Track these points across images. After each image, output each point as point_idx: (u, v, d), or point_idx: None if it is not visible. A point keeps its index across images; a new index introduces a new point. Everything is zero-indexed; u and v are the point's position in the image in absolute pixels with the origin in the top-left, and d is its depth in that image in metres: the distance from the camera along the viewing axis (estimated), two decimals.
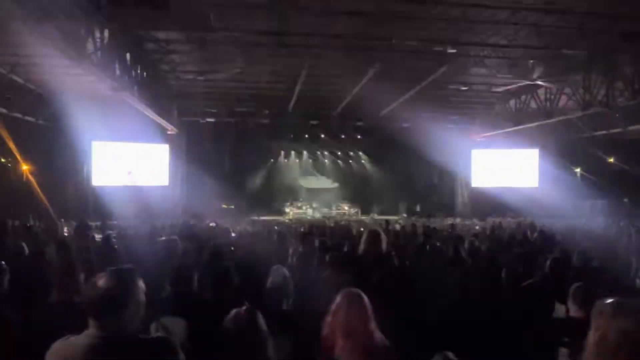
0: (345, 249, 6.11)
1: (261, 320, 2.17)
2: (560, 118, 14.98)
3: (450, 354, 2.00)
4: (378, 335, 2.15)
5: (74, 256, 4.16)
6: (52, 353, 1.86)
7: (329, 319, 2.19)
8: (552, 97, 14.97)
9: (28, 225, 9.72)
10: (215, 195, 19.75)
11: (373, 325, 2.15)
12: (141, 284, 1.98)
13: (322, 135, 22.65)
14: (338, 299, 2.21)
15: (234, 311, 2.21)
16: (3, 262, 3.59)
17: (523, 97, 16.40)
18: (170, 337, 2.12)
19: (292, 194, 24.78)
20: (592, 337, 1.47)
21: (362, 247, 4.24)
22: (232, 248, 6.24)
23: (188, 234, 7.67)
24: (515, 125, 16.96)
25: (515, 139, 18.46)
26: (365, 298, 2.21)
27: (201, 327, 2.60)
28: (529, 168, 19.53)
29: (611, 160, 18.97)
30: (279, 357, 2.24)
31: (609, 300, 1.50)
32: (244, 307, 2.22)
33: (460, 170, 20.62)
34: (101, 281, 1.91)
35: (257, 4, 9.99)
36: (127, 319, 1.89)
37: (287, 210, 23.51)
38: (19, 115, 13.30)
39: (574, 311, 2.96)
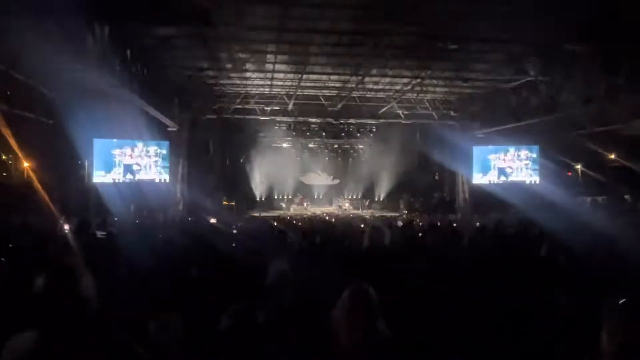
0: (347, 244, 6.11)
1: (260, 317, 2.16)
2: (561, 114, 14.95)
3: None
4: (384, 331, 2.13)
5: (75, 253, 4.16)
6: (6, 348, 1.85)
7: (334, 315, 2.17)
8: (553, 93, 14.93)
9: (29, 222, 9.70)
10: (215, 192, 19.78)
11: (379, 321, 2.13)
12: (87, 280, 1.95)
13: (323, 132, 22.67)
14: (344, 294, 2.20)
15: (230, 308, 2.20)
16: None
17: (524, 93, 16.36)
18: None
19: (292, 191, 24.83)
20: (605, 338, 1.45)
21: (365, 242, 4.24)
22: (234, 244, 6.24)
23: (188, 230, 7.67)
24: (516, 121, 16.93)
25: (516, 135, 18.45)
26: (372, 294, 2.20)
27: (199, 324, 2.59)
28: (529, 164, 19.55)
29: (612, 156, 18.95)
30: (280, 352, 2.24)
31: (622, 301, 1.48)
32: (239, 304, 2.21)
33: (461, 166, 20.63)
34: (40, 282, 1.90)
35: None
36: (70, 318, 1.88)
37: (287, 206, 23.55)
38: (20, 112, 13.26)
39: (575, 309, 2.96)
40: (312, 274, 3.70)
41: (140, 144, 16.94)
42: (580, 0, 9.11)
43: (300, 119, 20.31)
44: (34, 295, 1.87)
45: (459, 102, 18.97)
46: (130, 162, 16.88)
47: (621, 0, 9.25)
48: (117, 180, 16.44)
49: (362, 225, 10.82)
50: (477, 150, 19.90)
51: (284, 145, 24.25)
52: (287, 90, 17.33)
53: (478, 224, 11.91)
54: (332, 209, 23.26)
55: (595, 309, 1.83)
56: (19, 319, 2.35)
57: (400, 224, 12.49)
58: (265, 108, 18.86)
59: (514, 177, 19.53)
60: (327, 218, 16.95)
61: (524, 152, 19.60)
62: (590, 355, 1.53)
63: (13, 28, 7.98)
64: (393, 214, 20.62)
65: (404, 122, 19.80)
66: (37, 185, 13.43)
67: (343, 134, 23.32)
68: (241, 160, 22.87)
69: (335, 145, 24.87)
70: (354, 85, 16.31)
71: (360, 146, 24.90)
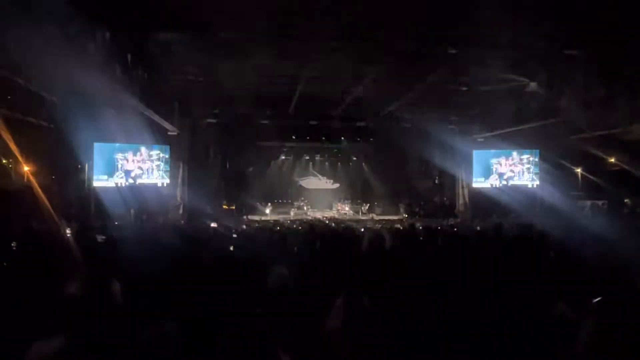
0: (347, 249, 6.10)
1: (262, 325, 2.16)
2: (561, 118, 14.98)
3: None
4: (379, 336, 2.14)
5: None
6: (30, 353, 1.87)
7: (329, 319, 2.18)
8: (553, 96, 14.95)
9: (29, 226, 9.70)
10: (216, 196, 19.80)
11: (375, 326, 2.14)
12: (116, 287, 1.98)
13: (323, 136, 22.70)
14: (339, 299, 2.21)
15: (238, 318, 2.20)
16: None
17: (524, 97, 16.38)
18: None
19: (292, 195, 24.83)
20: (583, 336, 1.48)
21: (364, 247, 4.25)
22: (232, 248, 6.24)
23: (188, 234, 7.67)
24: (516, 125, 16.96)
25: (516, 139, 18.48)
26: (367, 299, 2.21)
27: (195, 330, 2.60)
28: (529, 168, 19.57)
29: (612, 160, 18.94)
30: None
31: (596, 300, 1.51)
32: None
33: (461, 170, 20.64)
34: (73, 287, 1.92)
35: (258, 4, 9.99)
36: (101, 323, 1.90)
37: (287, 210, 23.54)
38: (20, 116, 13.29)
39: (571, 311, 2.96)
40: (311, 279, 3.71)
41: (143, 148, 16.97)
42: (579, 6, 9.15)
43: (300, 123, 20.34)
44: (67, 300, 1.90)
45: (458, 106, 18.98)
46: (133, 167, 16.89)
47: (620, 6, 9.28)
48: (119, 184, 16.45)
49: (362, 230, 10.81)
50: (478, 154, 19.92)
51: (284, 149, 24.27)
52: (287, 94, 17.35)
53: (478, 227, 11.92)
54: (332, 213, 23.23)
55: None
56: (19, 324, 2.37)
57: (399, 227, 12.50)
58: (266, 112, 18.88)
59: (516, 181, 19.55)
60: (327, 222, 16.95)
61: (525, 156, 19.62)
62: (569, 353, 1.56)
63: (14, 32, 8.01)
64: (393, 218, 20.61)
65: (404, 126, 19.82)
66: (37, 189, 13.43)
67: (343, 138, 23.35)
68: (241, 165, 22.88)
69: (336, 150, 24.89)
70: (354, 90, 16.34)
71: (361, 150, 24.92)
